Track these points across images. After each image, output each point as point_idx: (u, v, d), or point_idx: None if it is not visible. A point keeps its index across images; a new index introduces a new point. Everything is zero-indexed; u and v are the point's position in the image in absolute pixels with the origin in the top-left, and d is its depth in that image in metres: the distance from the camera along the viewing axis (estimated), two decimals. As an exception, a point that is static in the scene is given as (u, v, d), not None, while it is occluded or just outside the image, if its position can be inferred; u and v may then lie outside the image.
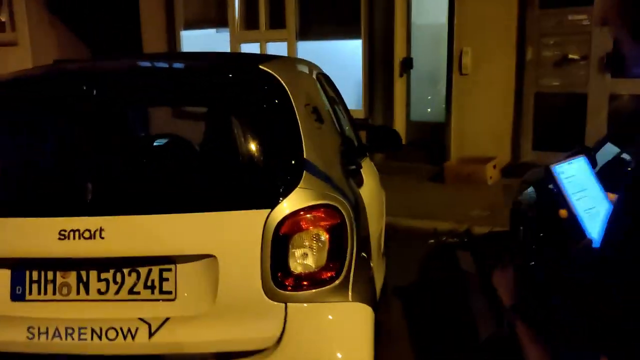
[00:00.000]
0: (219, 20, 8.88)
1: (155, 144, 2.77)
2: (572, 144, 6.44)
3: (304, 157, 2.07)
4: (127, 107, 2.68)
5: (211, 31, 9.21)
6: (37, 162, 2.43)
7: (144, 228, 1.99)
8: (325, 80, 2.95)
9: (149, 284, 1.98)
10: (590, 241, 1.03)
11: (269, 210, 1.95)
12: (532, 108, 6.73)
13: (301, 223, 1.95)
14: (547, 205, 3.64)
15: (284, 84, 2.16)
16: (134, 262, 1.99)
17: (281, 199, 1.97)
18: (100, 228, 1.94)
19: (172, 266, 1.97)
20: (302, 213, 1.96)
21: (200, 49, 8.71)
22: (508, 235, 4.96)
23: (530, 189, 3.97)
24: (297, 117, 2.12)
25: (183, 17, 9.19)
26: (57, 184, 2.23)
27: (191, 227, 1.97)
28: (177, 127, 2.47)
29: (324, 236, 1.96)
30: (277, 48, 8.16)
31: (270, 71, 2.20)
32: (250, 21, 8.54)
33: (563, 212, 1.09)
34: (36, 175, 2.34)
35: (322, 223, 1.97)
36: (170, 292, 1.98)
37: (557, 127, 6.65)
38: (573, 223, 1.06)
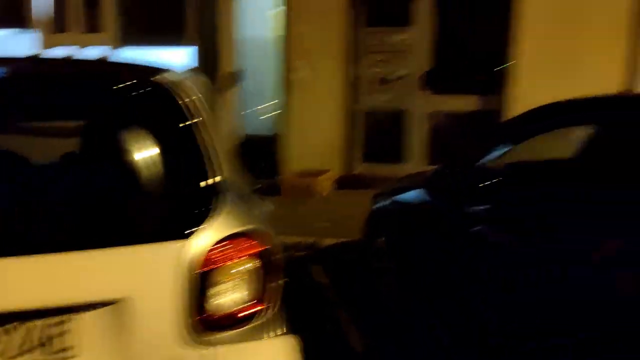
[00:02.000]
0: (17, 18, 7.87)
1: (35, 167, 2.20)
2: (398, 156, 6.92)
3: (220, 179, 1.83)
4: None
5: (10, 31, 8.12)
6: None
7: (31, 273, 1.57)
8: (213, 91, 2.67)
9: (43, 341, 1.57)
10: None
11: (184, 241, 1.67)
12: (361, 123, 7.04)
13: (224, 254, 1.71)
14: (406, 214, 3.81)
15: (187, 100, 1.89)
16: (21, 316, 1.56)
17: (198, 228, 1.70)
18: None
19: (70, 317, 1.58)
20: (223, 244, 1.71)
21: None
22: (357, 245, 5.09)
23: (386, 201, 4.11)
24: (206, 135, 1.87)
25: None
26: None
27: (91, 268, 1.61)
28: (59, 147, 2.01)
29: (251, 267, 1.74)
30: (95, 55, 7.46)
31: (169, 85, 1.91)
32: (62, 23, 7.71)
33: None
34: None
35: (249, 252, 1.74)
36: (68, 349, 1.59)
37: (384, 140, 7.05)
38: None
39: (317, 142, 6.96)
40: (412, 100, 6.83)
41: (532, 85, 5.83)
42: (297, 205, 6.48)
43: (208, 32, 7.32)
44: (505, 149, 2.99)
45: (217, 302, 1.70)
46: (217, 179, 1.83)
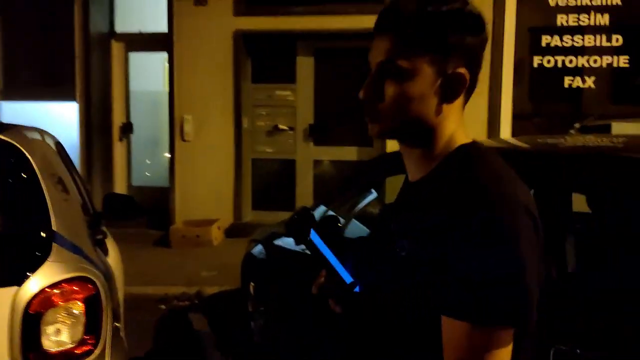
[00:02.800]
0: None
1: None
2: (286, 203, 7.19)
3: (53, 228, 1.98)
4: None
5: None
6: None
7: None
8: (61, 149, 2.83)
9: None
10: (353, 284, 1.23)
11: (16, 287, 1.81)
12: (250, 172, 7.29)
13: (53, 298, 1.85)
14: (276, 259, 4.02)
15: (27, 155, 2.05)
16: None
17: (29, 274, 1.84)
18: None
19: None
20: (53, 288, 1.86)
21: None
22: (238, 291, 5.24)
23: (259, 247, 4.32)
24: (44, 188, 2.03)
25: None
26: None
27: None
28: None
29: (79, 309, 1.89)
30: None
31: (12, 141, 2.07)
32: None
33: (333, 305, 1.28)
34: None
35: (76, 296, 1.89)
36: None
37: (272, 188, 7.32)
38: (334, 275, 1.26)
39: (207, 192, 7.12)
40: (298, 150, 7.19)
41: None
42: (186, 255, 6.53)
43: (100, 85, 7.38)
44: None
45: (51, 340, 1.83)
46: (53, 228, 1.99)
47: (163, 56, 7.22)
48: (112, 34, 7.53)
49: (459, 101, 1.09)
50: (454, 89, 1.08)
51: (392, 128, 1.10)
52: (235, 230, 7.10)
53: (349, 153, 7.03)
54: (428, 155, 1.11)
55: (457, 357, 0.99)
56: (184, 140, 7.12)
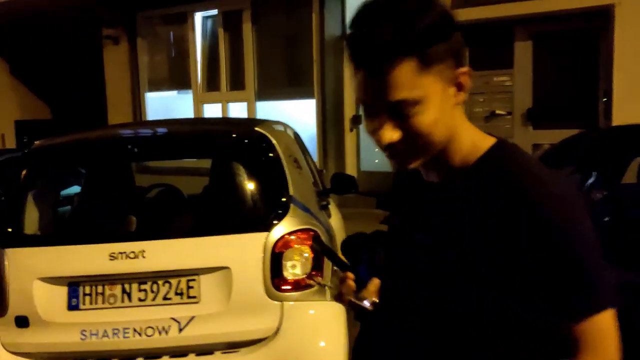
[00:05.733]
0: (181, 82, 9.53)
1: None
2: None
3: (290, 194, 2.73)
4: (163, 159, 3.38)
5: (173, 93, 9.84)
6: (94, 203, 3.11)
7: (175, 249, 2.59)
8: (297, 137, 3.67)
9: (179, 291, 2.56)
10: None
11: (267, 233, 2.59)
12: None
13: (290, 242, 2.59)
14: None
15: (273, 141, 2.84)
16: (167, 275, 2.57)
17: (275, 225, 2.60)
18: (143, 250, 2.53)
19: (196, 277, 2.57)
20: (290, 235, 2.59)
21: (164, 110, 9.31)
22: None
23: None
24: (284, 165, 2.79)
25: (147, 80, 9.79)
26: (109, 219, 2.84)
27: (211, 247, 2.59)
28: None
29: (307, 251, 2.60)
30: (238, 108, 8.86)
31: (263, 132, 2.88)
32: (211, 83, 9.22)
33: None
34: (92, 213, 2.95)
35: (306, 242, 2.60)
36: (195, 297, 2.56)
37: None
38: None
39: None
40: (516, 135, 7.29)
41: (627, 117, 6.07)
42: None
43: (333, 83, 8.37)
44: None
45: (288, 271, 2.57)
46: (290, 194, 2.73)
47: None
48: (343, 36, 8.47)
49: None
50: (462, 89, 1.07)
51: (432, 154, 1.08)
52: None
53: (568, 136, 6.92)
54: (455, 155, 1.11)
55: (609, 346, 1.02)
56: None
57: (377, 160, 8.49)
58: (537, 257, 0.99)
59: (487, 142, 1.11)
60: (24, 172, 2.79)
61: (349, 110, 8.27)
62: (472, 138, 1.11)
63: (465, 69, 1.07)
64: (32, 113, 11.05)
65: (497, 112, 7.35)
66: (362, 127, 8.36)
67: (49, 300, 2.58)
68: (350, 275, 1.29)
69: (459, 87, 1.07)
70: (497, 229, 1.01)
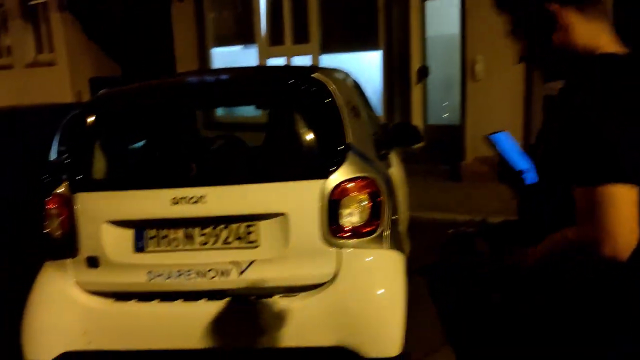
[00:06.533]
0: (246, 37, 9.56)
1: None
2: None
3: (348, 141, 2.69)
4: (221, 106, 3.47)
5: (239, 48, 9.90)
6: (156, 150, 3.23)
7: (235, 195, 2.64)
8: (358, 86, 3.59)
9: (238, 236, 2.62)
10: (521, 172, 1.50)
11: (324, 180, 2.57)
12: (540, 110, 7.27)
13: (347, 189, 2.56)
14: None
15: (331, 88, 2.79)
16: (227, 220, 2.63)
17: (332, 172, 2.59)
18: (204, 195, 2.60)
19: (255, 222, 2.61)
20: (347, 182, 2.57)
21: (230, 65, 9.39)
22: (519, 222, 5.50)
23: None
24: (342, 112, 2.74)
25: (213, 35, 9.89)
26: (171, 165, 2.93)
27: (269, 194, 2.62)
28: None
29: (365, 200, 2.57)
30: (302, 62, 8.80)
31: (321, 78, 2.83)
32: (276, 37, 9.19)
33: None
34: (155, 159, 3.10)
35: (363, 190, 2.57)
36: (254, 241, 2.62)
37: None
38: (505, 164, 1.54)
39: (497, 129, 7.35)
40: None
41: None
42: (475, 189, 6.95)
43: (399, 34, 8.15)
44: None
45: (344, 219, 2.56)
46: (348, 142, 2.70)
47: (456, 1, 7.57)
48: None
49: None
50: None
51: None
52: (524, 167, 7.22)
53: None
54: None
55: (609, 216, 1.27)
56: (474, 80, 7.44)
57: (444, 113, 8.28)
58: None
59: None
60: (90, 120, 2.89)
61: (415, 61, 8.04)
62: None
63: None
64: (105, 71, 11.44)
65: (574, 61, 6.94)
66: (429, 79, 8.14)
67: (116, 243, 2.70)
68: None
69: None
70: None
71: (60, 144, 4.96)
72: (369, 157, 2.81)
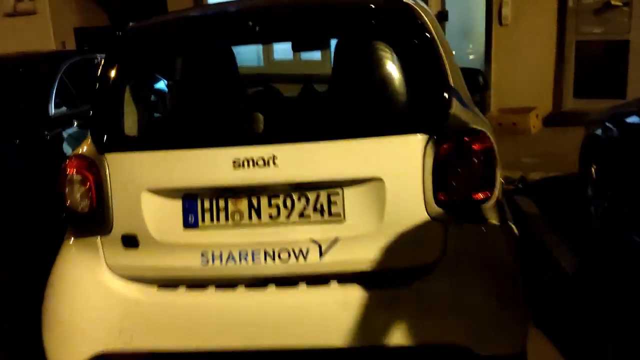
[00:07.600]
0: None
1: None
2: (615, 91, 6.51)
3: (451, 85, 2.12)
4: (287, 39, 2.73)
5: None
6: (211, 96, 2.52)
7: (312, 155, 2.03)
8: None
9: (318, 207, 2.04)
10: None
11: (428, 135, 2.01)
12: (573, 56, 6.75)
13: (458, 147, 2.01)
14: (627, 138, 3.72)
15: (424, 17, 2.19)
16: (303, 188, 2.05)
17: (438, 125, 2.02)
18: (273, 156, 2.00)
19: (339, 190, 2.03)
20: (458, 138, 2.01)
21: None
22: (566, 178, 5.06)
23: (602, 128, 4.04)
24: (439, 48, 2.16)
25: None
26: (231, 116, 2.28)
27: (357, 153, 2.02)
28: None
29: (478, 160, 2.02)
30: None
31: (414, 5, 2.22)
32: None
33: None
34: (208, 109, 2.41)
35: (476, 147, 2.02)
36: (338, 214, 2.04)
37: (598, 74, 6.69)
38: None
39: (525, 79, 6.85)
40: (633, 30, 6.36)
41: None
42: (503, 142, 6.46)
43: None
44: None
45: (454, 184, 2.01)
46: (451, 86, 2.13)
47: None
48: None
49: None
50: None
51: None
52: (554, 119, 6.78)
53: None
54: None
55: None
56: (501, 24, 6.88)
57: (466, 61, 7.73)
58: None
59: None
60: (119, 61, 2.26)
61: (434, 5, 7.43)
62: None
63: None
64: (90, 20, 10.62)
65: (613, 2, 6.39)
66: (447, 24, 7.53)
67: (161, 217, 2.12)
68: None
69: None
70: None
71: (57, 97, 4.31)
72: (470, 106, 2.25)
